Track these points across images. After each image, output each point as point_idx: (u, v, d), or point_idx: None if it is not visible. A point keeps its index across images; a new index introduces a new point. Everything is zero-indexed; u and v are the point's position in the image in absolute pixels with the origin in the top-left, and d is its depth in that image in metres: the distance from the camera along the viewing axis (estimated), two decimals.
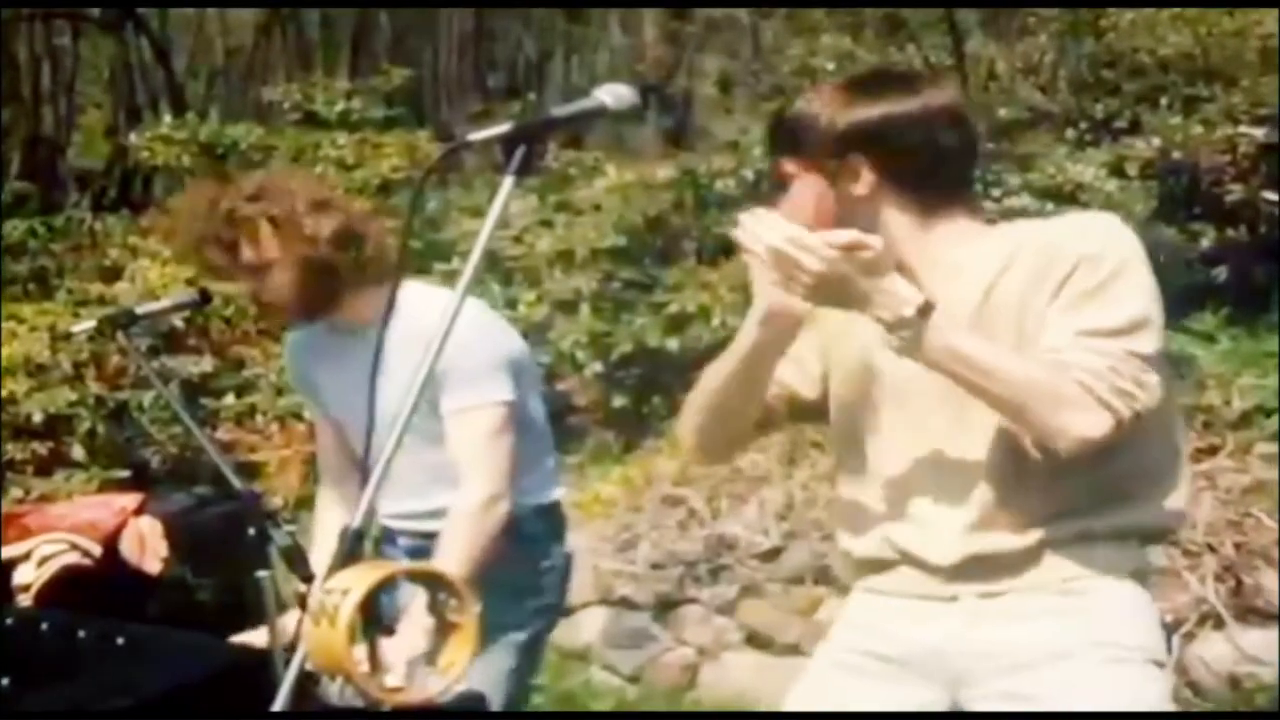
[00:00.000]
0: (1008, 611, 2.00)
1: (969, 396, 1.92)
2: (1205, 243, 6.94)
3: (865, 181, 2.02)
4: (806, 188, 2.03)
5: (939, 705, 2.05)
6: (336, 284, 2.71)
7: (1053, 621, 1.98)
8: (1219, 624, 4.59)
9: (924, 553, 2.03)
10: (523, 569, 2.77)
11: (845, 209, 2.01)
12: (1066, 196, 6.62)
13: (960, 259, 2.02)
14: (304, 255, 2.66)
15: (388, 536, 2.87)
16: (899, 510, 2.05)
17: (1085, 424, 1.85)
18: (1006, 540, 1.98)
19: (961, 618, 2.02)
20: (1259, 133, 6.99)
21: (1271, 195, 6.97)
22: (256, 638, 2.77)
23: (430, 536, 2.68)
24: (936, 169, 2.04)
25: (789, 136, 2.06)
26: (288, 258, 2.67)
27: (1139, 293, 1.93)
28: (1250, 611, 4.63)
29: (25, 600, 3.14)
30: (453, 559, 2.52)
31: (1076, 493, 1.97)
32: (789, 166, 2.05)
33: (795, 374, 2.15)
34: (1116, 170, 7.01)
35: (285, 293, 2.70)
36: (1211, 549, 4.71)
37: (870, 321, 1.90)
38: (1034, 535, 1.98)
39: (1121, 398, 1.86)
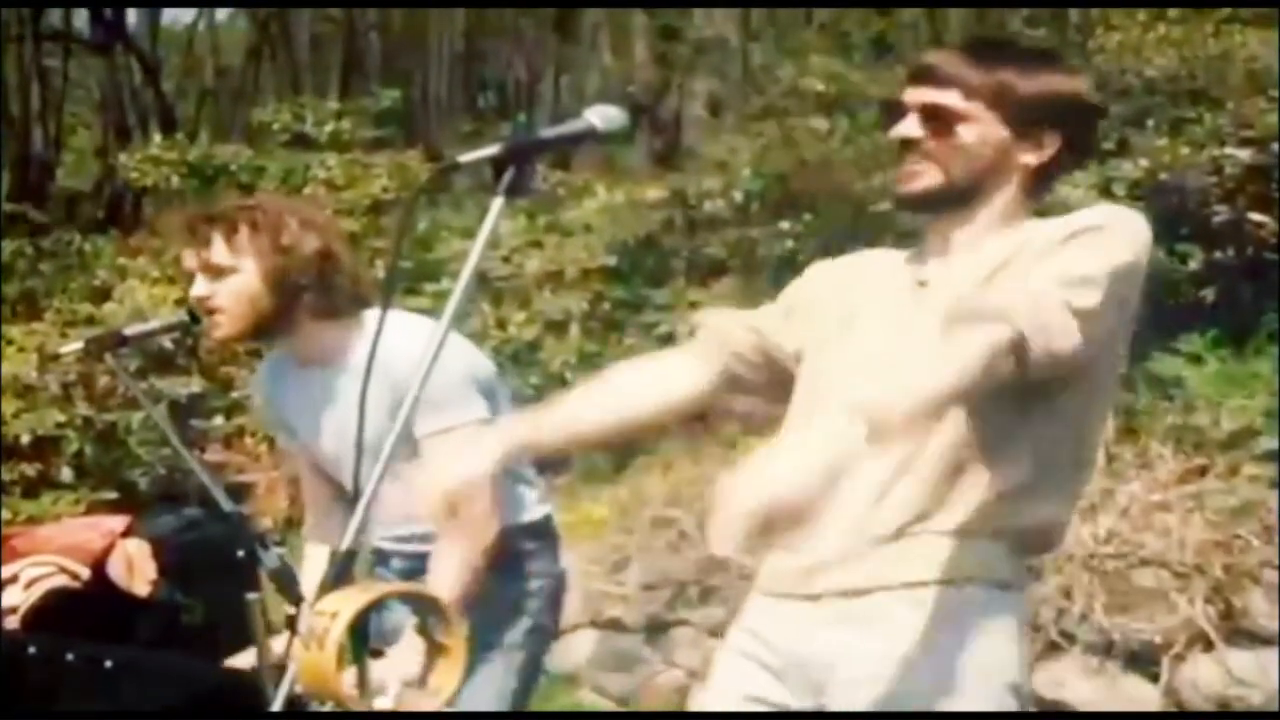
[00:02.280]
0: (857, 615, 1.97)
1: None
2: (1193, 264, 6.96)
3: (1044, 154, 2.03)
4: (976, 133, 2.00)
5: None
6: (294, 308, 2.66)
7: (892, 630, 1.95)
8: (1208, 646, 4.59)
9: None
10: (515, 587, 2.77)
11: (1005, 165, 2.02)
12: (1054, 217, 6.63)
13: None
14: (274, 266, 2.63)
15: (380, 558, 2.86)
16: None
17: (990, 333, 1.78)
18: (882, 525, 1.96)
19: (818, 619, 2.00)
20: (1245, 154, 7.02)
21: (1258, 216, 7.00)
22: (247, 659, 2.77)
23: (423, 558, 2.67)
24: (1076, 162, 2.09)
25: (966, 77, 2.01)
26: (257, 265, 2.64)
27: (1100, 254, 1.89)
28: (1239, 633, 4.63)
29: (12, 623, 3.12)
30: (443, 581, 2.51)
31: (966, 487, 1.95)
32: (961, 104, 2.00)
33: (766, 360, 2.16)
34: (1104, 191, 7.03)
35: (239, 302, 2.64)
36: (1200, 570, 4.71)
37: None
38: (909, 524, 1.95)
39: (1033, 321, 1.78)
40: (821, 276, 2.20)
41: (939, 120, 2.00)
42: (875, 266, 2.16)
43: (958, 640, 1.95)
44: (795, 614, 2.03)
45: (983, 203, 2.03)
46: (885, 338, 2.02)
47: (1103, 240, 1.91)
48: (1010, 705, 1.95)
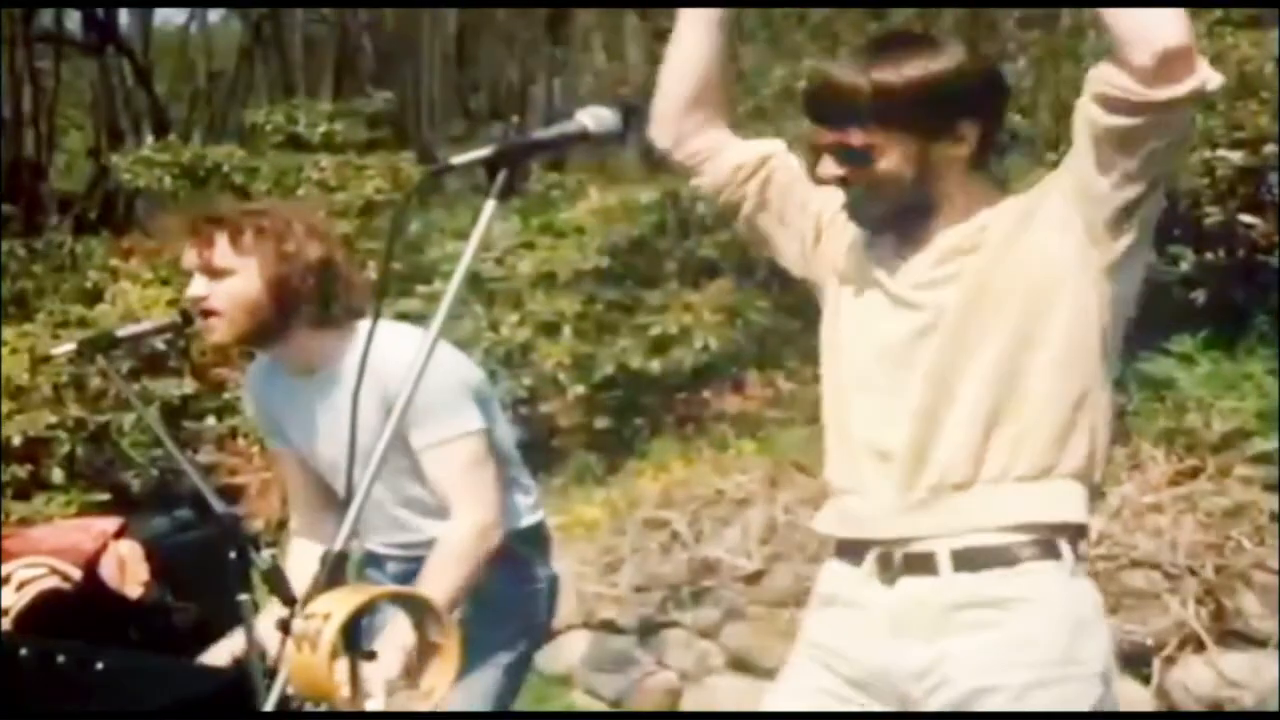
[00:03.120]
0: (937, 625, 1.99)
1: (954, 368, 1.96)
2: (1184, 266, 6.97)
3: (968, 145, 2.01)
4: (888, 160, 1.98)
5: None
6: (290, 316, 2.66)
7: (984, 638, 1.97)
8: (1200, 647, 4.60)
9: (862, 530, 2.03)
10: (509, 591, 2.77)
11: (936, 172, 2.00)
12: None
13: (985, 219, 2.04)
14: (277, 273, 2.63)
15: (374, 561, 2.86)
16: (856, 479, 2.06)
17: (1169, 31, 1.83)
18: (942, 517, 1.98)
19: (892, 631, 2.01)
20: (1237, 156, 7.03)
21: (1250, 218, 7.01)
22: (227, 648, 2.77)
23: (418, 560, 2.67)
24: (998, 131, 2.09)
25: (854, 107, 1.97)
26: (260, 270, 2.64)
27: None
28: (1231, 635, 4.63)
29: (4, 625, 3.12)
30: (438, 585, 2.51)
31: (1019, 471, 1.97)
32: (856, 139, 1.97)
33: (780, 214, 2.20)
34: None
35: (237, 306, 2.64)
36: (1192, 572, 4.71)
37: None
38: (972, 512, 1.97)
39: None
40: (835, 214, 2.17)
41: (850, 159, 1.99)
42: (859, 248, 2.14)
43: (1034, 650, 1.97)
44: (864, 625, 2.04)
45: (940, 204, 2.02)
46: (870, 355, 2.05)
47: None
48: (1097, 692, 2.01)
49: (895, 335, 2.03)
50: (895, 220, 2.04)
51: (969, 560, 1.98)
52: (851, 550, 2.08)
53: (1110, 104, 1.87)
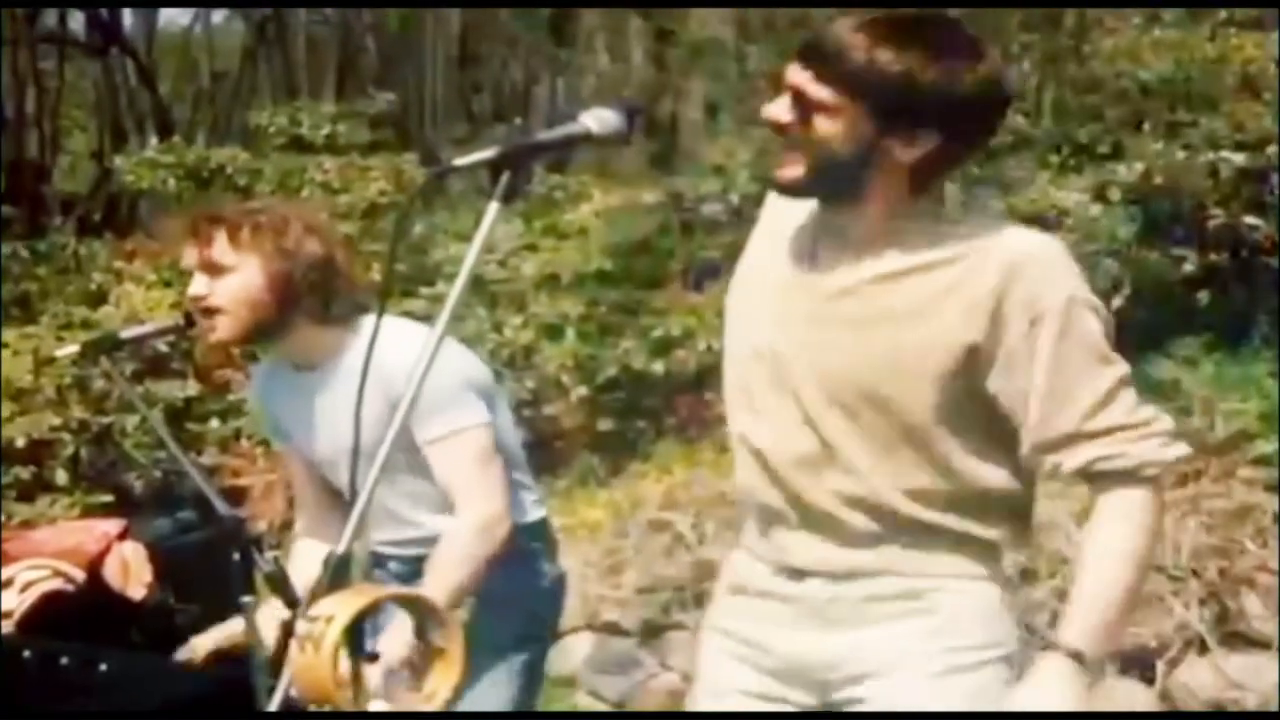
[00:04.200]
0: (854, 616, 1.98)
1: (849, 381, 1.92)
2: (1188, 267, 6.97)
3: (916, 151, 1.87)
4: (841, 124, 1.85)
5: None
6: (292, 312, 2.66)
7: (900, 626, 1.96)
8: (1203, 649, 4.59)
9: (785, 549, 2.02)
10: (514, 589, 2.77)
11: (871, 163, 1.87)
12: (1050, 222, 6.65)
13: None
14: (277, 269, 2.63)
15: (378, 561, 2.86)
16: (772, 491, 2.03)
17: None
18: (860, 526, 1.96)
19: (812, 621, 2.00)
20: (1240, 158, 7.02)
21: (1253, 220, 7.01)
22: (212, 637, 2.78)
23: (421, 561, 2.67)
24: (964, 158, 1.97)
25: (840, 70, 1.84)
26: (260, 266, 2.64)
27: (1093, 356, 1.88)
28: (1234, 637, 4.63)
29: (7, 627, 3.12)
30: (441, 583, 2.51)
31: (935, 488, 1.94)
32: (821, 93, 1.84)
33: None
34: (1099, 195, 7.04)
35: (238, 303, 2.63)
36: (1195, 574, 4.71)
37: (767, 304, 1.98)
38: (885, 526, 1.95)
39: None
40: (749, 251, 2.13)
41: (803, 106, 1.87)
42: (771, 241, 2.07)
43: (948, 634, 1.96)
44: (779, 614, 2.03)
45: (865, 197, 1.90)
46: (770, 327, 2.00)
47: (1078, 334, 1.85)
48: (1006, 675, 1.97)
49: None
50: (807, 192, 1.94)
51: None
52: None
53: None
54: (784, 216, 2.03)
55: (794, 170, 1.90)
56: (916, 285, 1.89)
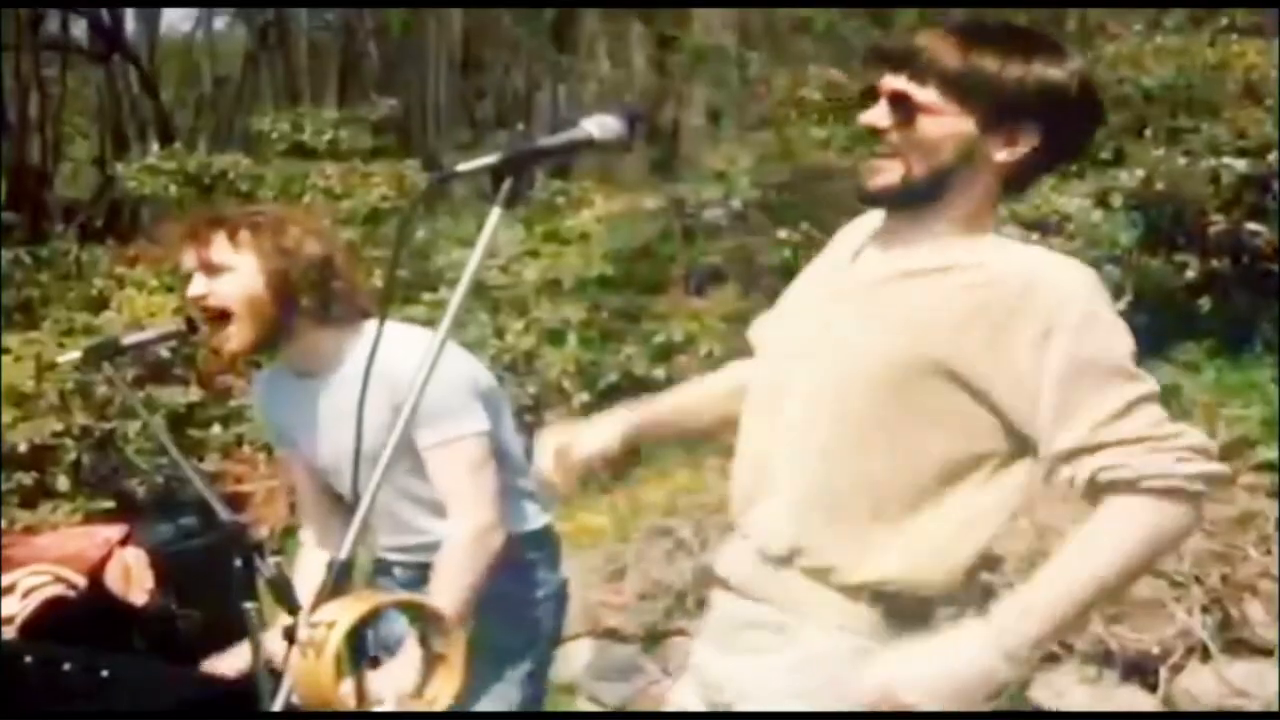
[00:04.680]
0: (732, 642, 2.03)
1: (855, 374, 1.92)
2: (1190, 273, 6.97)
3: (1017, 151, 1.90)
4: (946, 125, 1.89)
5: None
6: (294, 315, 2.66)
7: (762, 660, 1.98)
8: (1206, 656, 4.59)
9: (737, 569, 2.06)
10: (518, 597, 2.77)
11: (971, 164, 1.90)
12: (1052, 227, 6.65)
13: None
14: (275, 268, 2.63)
15: (383, 567, 2.86)
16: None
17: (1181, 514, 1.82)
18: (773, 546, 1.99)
19: (711, 642, 2.08)
20: (1242, 164, 7.03)
21: (1255, 226, 7.01)
22: (232, 659, 2.77)
23: (425, 567, 2.67)
24: (1058, 162, 1.97)
25: (942, 74, 1.87)
26: (259, 265, 2.64)
27: (1119, 376, 1.85)
28: (1237, 644, 4.62)
29: (9, 633, 3.12)
30: (445, 591, 2.51)
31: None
32: (927, 96, 1.89)
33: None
34: (1101, 201, 7.05)
35: (238, 304, 2.64)
36: (1198, 580, 4.70)
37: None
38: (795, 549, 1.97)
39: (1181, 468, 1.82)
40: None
41: (904, 110, 1.90)
42: (828, 253, 2.13)
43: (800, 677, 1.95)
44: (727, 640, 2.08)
45: (946, 203, 1.93)
46: (809, 318, 2.04)
47: (1101, 350, 1.83)
48: None
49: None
50: (898, 200, 1.95)
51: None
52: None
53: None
54: (840, 245, 2.10)
55: (889, 178, 1.93)
56: (939, 283, 1.91)
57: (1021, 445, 1.91)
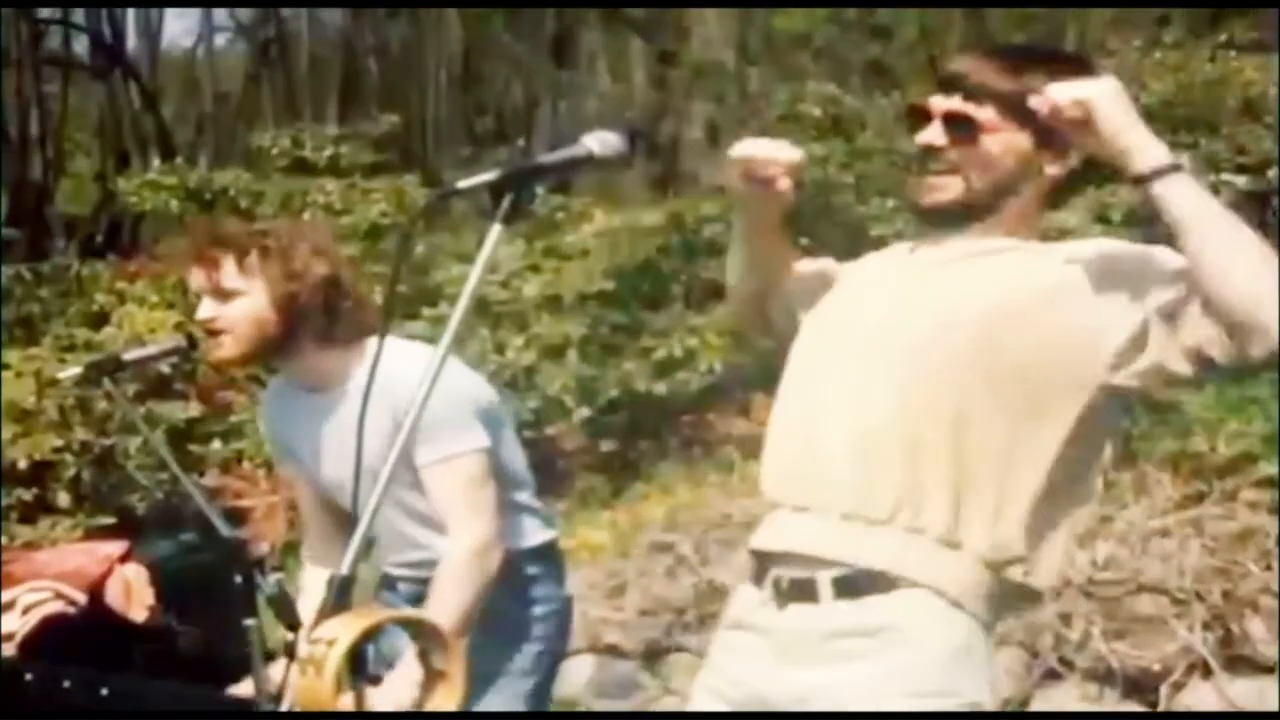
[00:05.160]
0: (817, 654, 1.98)
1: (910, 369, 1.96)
2: None
3: (1069, 163, 2.02)
4: (999, 143, 2.00)
5: None
6: (299, 334, 2.66)
7: (859, 667, 1.95)
8: (1207, 673, 4.58)
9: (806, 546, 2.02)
10: (521, 613, 2.76)
11: (1025, 178, 2.02)
12: (1051, 242, 6.66)
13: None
14: (284, 292, 2.64)
15: (387, 583, 2.86)
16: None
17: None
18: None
19: (777, 657, 2.01)
20: (1242, 180, 7.04)
21: None
22: (248, 688, 2.76)
23: (429, 582, 2.66)
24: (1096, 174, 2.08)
25: (995, 93, 1.99)
26: (267, 290, 2.64)
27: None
28: (1239, 660, 4.62)
29: (9, 650, 3.12)
30: (444, 608, 2.50)
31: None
32: (984, 114, 2.00)
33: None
34: (1100, 217, 7.05)
35: (245, 325, 2.65)
36: (1199, 597, 4.70)
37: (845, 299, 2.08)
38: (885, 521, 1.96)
39: None
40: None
41: (962, 129, 2.00)
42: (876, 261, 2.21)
43: (916, 678, 1.93)
44: (756, 648, 2.04)
45: (999, 215, 2.04)
46: (883, 304, 2.06)
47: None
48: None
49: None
50: (953, 215, 2.03)
51: (849, 587, 1.97)
52: (758, 574, 2.09)
53: (1200, 361, 1.87)
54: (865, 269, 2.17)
55: (946, 194, 2.03)
56: (1015, 255, 2.01)
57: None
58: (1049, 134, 1.97)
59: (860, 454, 1.97)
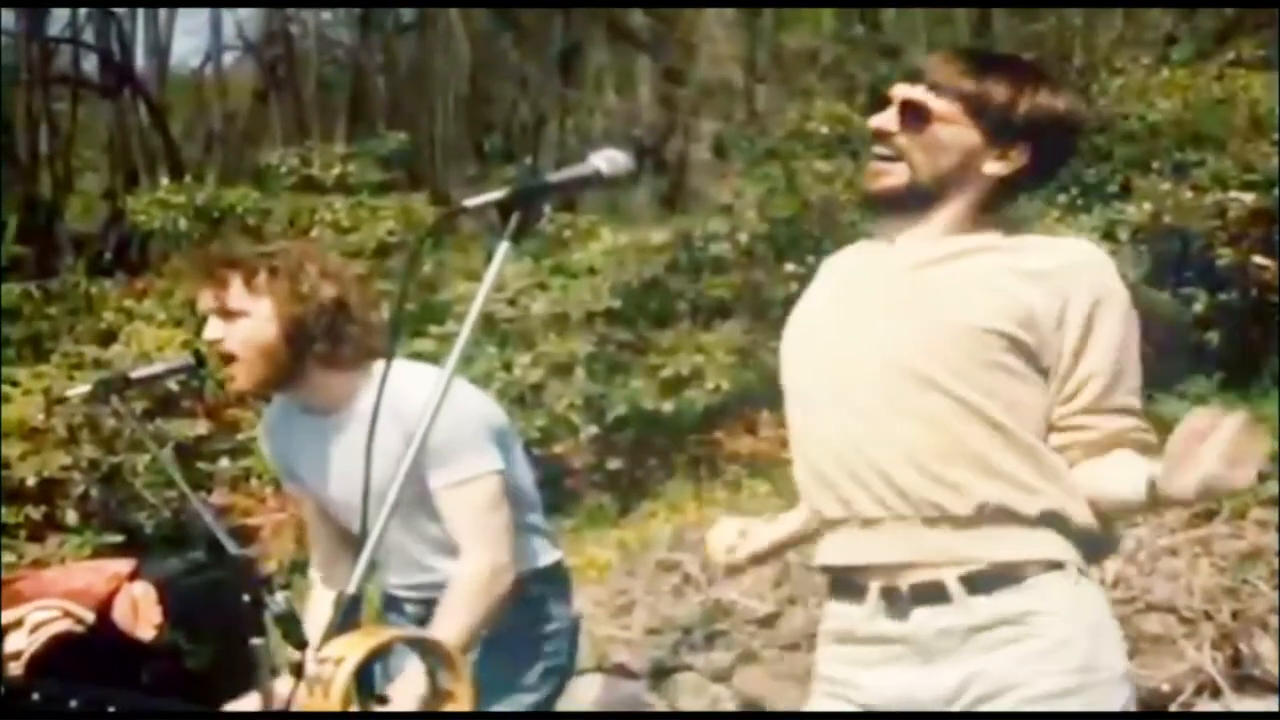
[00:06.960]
0: (963, 648, 2.01)
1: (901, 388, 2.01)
2: (1197, 307, 6.97)
3: (1009, 165, 2.07)
4: (948, 133, 2.06)
5: None
6: (306, 357, 2.66)
7: (1011, 652, 1.99)
8: (1216, 693, 4.56)
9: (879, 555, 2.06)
10: (529, 632, 2.76)
11: (968, 169, 2.06)
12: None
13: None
14: (291, 314, 2.64)
15: (393, 603, 2.85)
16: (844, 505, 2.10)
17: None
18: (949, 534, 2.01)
19: (918, 659, 2.03)
20: (1249, 198, 7.04)
21: (1262, 260, 7.01)
22: (249, 704, 2.76)
23: (435, 604, 2.66)
24: (1038, 181, 2.14)
25: (956, 89, 2.06)
26: (274, 311, 2.65)
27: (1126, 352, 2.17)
28: (1248, 681, 4.59)
29: (16, 668, 3.11)
30: (451, 628, 2.50)
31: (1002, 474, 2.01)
32: (940, 105, 2.06)
33: None
34: (1108, 235, 7.05)
35: (252, 348, 2.65)
36: (1208, 616, 4.68)
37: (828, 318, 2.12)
38: (970, 516, 2.00)
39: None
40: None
41: (915, 116, 2.06)
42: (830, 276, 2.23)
43: (1060, 659, 1.99)
44: (883, 655, 2.06)
45: (942, 207, 2.08)
46: (856, 311, 2.10)
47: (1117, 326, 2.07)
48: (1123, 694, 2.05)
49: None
50: (898, 203, 2.08)
51: (977, 583, 2.01)
52: (849, 588, 2.11)
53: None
54: (840, 267, 2.21)
55: (895, 180, 2.07)
56: (984, 260, 2.06)
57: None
58: (998, 135, 2.05)
59: (920, 462, 2.01)
